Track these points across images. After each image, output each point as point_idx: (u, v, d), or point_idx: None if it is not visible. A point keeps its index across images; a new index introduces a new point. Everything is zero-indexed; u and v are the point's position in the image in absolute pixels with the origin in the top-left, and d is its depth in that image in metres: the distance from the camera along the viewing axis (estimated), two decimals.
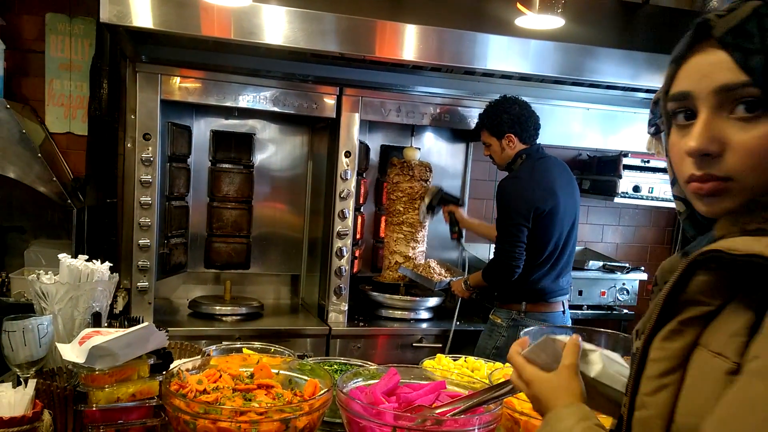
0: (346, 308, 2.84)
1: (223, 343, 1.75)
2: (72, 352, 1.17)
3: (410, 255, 3.03)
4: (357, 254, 3.10)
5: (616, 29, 2.98)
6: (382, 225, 3.24)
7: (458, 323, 2.92)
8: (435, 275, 2.86)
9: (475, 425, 1.16)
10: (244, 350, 1.56)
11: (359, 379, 1.39)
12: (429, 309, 3.03)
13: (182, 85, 2.64)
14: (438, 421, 1.16)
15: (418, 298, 2.97)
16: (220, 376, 1.33)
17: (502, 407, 1.24)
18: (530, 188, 2.46)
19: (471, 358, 1.70)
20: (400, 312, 2.96)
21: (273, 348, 1.61)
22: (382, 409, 1.21)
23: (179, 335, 2.53)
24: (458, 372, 1.54)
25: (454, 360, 1.67)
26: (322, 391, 1.28)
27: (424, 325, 2.96)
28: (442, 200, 2.99)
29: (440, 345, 2.86)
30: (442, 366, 1.60)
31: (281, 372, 1.42)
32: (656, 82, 2.88)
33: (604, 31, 2.93)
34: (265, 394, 1.30)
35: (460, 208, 3.01)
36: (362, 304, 3.05)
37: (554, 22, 2.03)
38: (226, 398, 1.24)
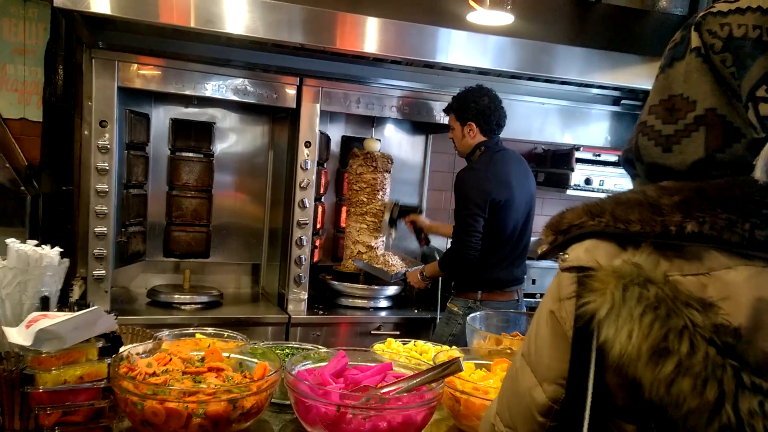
0: (306, 297, 2.87)
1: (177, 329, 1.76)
2: (18, 336, 1.18)
3: (373, 245, 3.08)
4: (317, 244, 3.13)
5: (571, 27, 3.08)
6: (343, 215, 3.27)
7: (416, 311, 2.99)
8: (390, 267, 2.91)
9: (416, 402, 1.22)
10: (197, 335, 1.59)
11: (308, 362, 1.44)
12: (388, 297, 3.09)
13: (141, 73, 2.62)
14: (381, 399, 1.21)
15: (377, 287, 3.02)
16: (170, 360, 1.35)
17: (444, 386, 1.30)
18: (486, 179, 2.53)
19: (420, 342, 1.76)
20: (359, 300, 3.01)
21: (226, 333, 1.64)
22: (328, 389, 1.26)
23: (137, 324, 2.51)
24: (407, 355, 1.60)
25: (404, 344, 1.73)
26: (271, 373, 1.31)
27: (383, 314, 3.02)
28: (402, 212, 3.06)
29: (399, 332, 2.92)
30: (392, 349, 1.65)
31: (232, 356, 1.45)
32: (608, 78, 2.99)
33: (559, 28, 3.02)
34: (215, 377, 1.33)
35: (421, 215, 3.08)
36: (322, 293, 3.09)
37: (504, 18, 2.10)
38: (175, 380, 1.27)
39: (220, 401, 1.20)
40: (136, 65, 2.60)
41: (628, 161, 0.84)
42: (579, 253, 0.73)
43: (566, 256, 0.75)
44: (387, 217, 3.05)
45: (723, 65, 0.71)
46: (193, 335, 1.59)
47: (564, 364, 0.72)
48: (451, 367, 1.21)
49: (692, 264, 0.66)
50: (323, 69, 2.97)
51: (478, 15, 2.11)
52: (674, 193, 0.71)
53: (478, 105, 2.61)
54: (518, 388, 0.79)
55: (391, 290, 3.06)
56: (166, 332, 1.57)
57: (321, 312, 2.90)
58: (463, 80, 3.03)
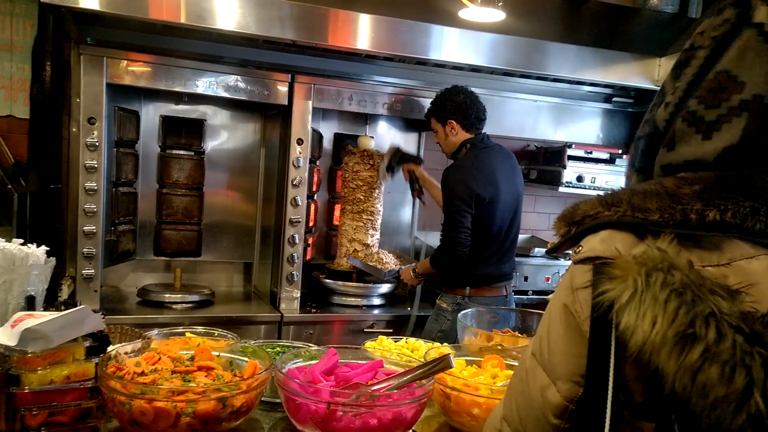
0: (299, 295, 2.86)
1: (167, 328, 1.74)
2: (3, 336, 1.16)
3: (369, 243, 3.07)
4: (310, 242, 3.12)
5: (563, 24, 3.08)
6: (336, 213, 3.26)
7: (409, 309, 2.98)
8: (384, 264, 2.91)
9: (407, 399, 1.21)
10: (187, 334, 1.57)
11: (299, 360, 1.42)
12: (381, 295, 3.08)
13: (130, 69, 2.59)
14: (372, 396, 1.21)
15: (370, 285, 3.01)
16: (159, 359, 1.34)
17: (434, 383, 1.29)
18: (471, 176, 2.54)
19: (411, 339, 1.75)
20: (352, 299, 3.00)
21: (216, 332, 1.62)
22: (318, 387, 1.25)
23: (127, 324, 2.49)
24: (398, 352, 1.59)
25: (396, 341, 1.72)
26: (261, 371, 1.30)
27: (377, 311, 3.01)
28: (401, 159, 3.02)
29: (392, 330, 2.92)
30: (383, 347, 1.65)
31: (222, 354, 1.44)
32: (600, 76, 3.00)
33: (551, 26, 3.03)
34: (205, 376, 1.32)
35: (420, 166, 3.05)
36: (315, 291, 3.07)
37: (496, 15, 2.09)
38: (164, 379, 1.26)
39: (210, 400, 1.19)
40: (125, 62, 2.58)
41: (644, 153, 0.80)
42: (594, 243, 0.71)
43: (580, 248, 0.72)
44: (386, 162, 2.99)
45: None
46: (182, 334, 1.58)
47: (580, 359, 0.70)
48: (440, 364, 1.21)
49: (713, 254, 0.65)
50: (315, 66, 2.95)
51: (470, 12, 2.11)
52: (694, 182, 0.69)
53: (455, 102, 2.63)
54: (529, 389, 0.76)
55: (385, 288, 3.05)
56: (155, 331, 1.55)
57: (314, 310, 2.89)
58: (455, 77, 3.04)
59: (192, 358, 1.37)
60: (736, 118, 0.69)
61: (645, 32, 3.11)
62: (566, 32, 3.03)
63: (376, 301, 3.06)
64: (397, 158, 3.00)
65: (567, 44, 2.91)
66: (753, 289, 0.61)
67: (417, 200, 3.12)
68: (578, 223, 0.74)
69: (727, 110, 0.70)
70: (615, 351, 0.65)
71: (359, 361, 1.46)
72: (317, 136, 3.13)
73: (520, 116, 3.26)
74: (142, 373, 1.26)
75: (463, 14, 2.20)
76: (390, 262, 2.97)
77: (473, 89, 2.73)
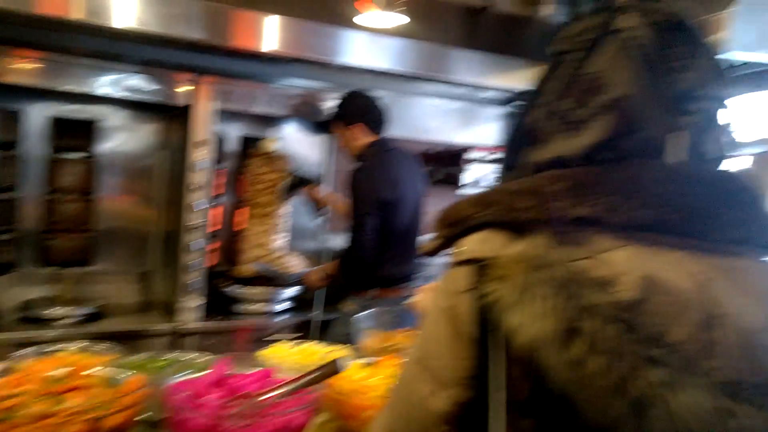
0: (200, 304, 2.75)
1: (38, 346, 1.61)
2: None
3: (274, 247, 3.00)
4: (212, 248, 3.01)
5: (465, 32, 3.18)
6: (241, 217, 3.17)
7: (317, 313, 2.95)
8: (289, 269, 2.87)
9: (294, 407, 1.19)
10: (64, 351, 1.46)
11: (188, 372, 1.36)
12: (287, 300, 3.03)
13: (14, 67, 2.38)
14: (257, 406, 1.17)
15: (275, 290, 2.95)
16: (26, 381, 1.23)
17: (324, 388, 1.28)
18: (375, 179, 2.57)
19: (312, 344, 1.73)
20: (257, 305, 2.93)
21: (100, 347, 1.52)
22: (202, 400, 1.20)
23: (5, 343, 2.30)
24: (294, 358, 1.57)
25: (294, 347, 1.69)
26: (143, 387, 1.23)
27: (284, 317, 2.95)
28: (300, 182, 3.00)
29: (301, 335, 2.87)
30: (279, 353, 1.61)
31: (102, 371, 1.35)
32: (499, 81, 3.13)
33: (454, 32, 3.13)
34: (80, 396, 1.23)
35: (318, 187, 3.04)
36: (218, 299, 2.97)
37: (396, 19, 2.12)
38: (31, 403, 1.16)
39: (80, 422, 1.10)
40: (8, 58, 2.37)
41: (513, 151, 0.84)
42: (473, 244, 0.72)
43: (460, 249, 0.73)
44: (285, 183, 2.98)
45: (650, 52, 0.73)
46: (59, 351, 1.46)
47: (466, 361, 0.70)
48: (329, 368, 1.20)
49: (582, 248, 0.67)
50: (220, 66, 2.86)
51: (371, 16, 2.11)
52: (561, 179, 0.72)
53: (357, 105, 2.67)
54: (413, 397, 0.75)
55: (291, 293, 3.00)
56: (24, 351, 1.43)
57: (216, 319, 2.79)
58: (363, 80, 3.05)
59: (65, 377, 1.28)
60: (602, 116, 0.73)
61: (538, 40, 3.28)
62: (468, 39, 3.14)
63: (283, 307, 3.01)
64: (295, 180, 3.00)
65: (469, 50, 3.01)
66: (619, 279, 0.65)
67: (321, 221, 3.13)
68: (457, 224, 0.75)
69: (595, 109, 0.74)
70: (502, 351, 0.66)
71: (255, 370, 1.42)
72: (221, 139, 3.04)
73: (424, 119, 3.33)
74: (6, 398, 1.16)
75: (364, 17, 2.20)
76: (296, 265, 2.93)
77: (381, 92, 2.77)
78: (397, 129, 2.94)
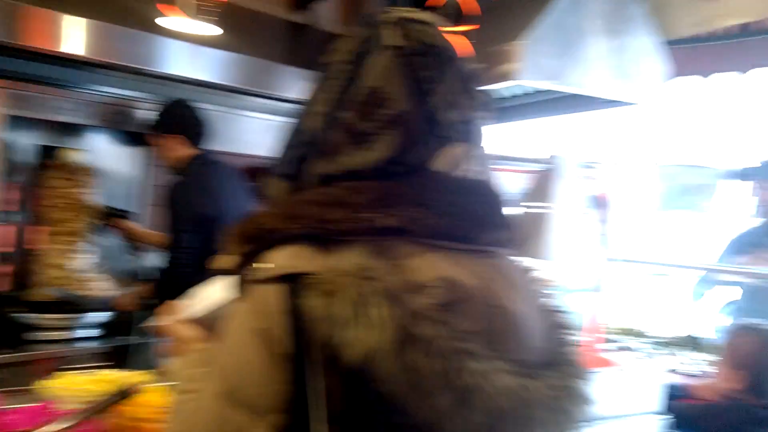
0: None
1: None
2: None
3: (72, 268, 2.73)
4: (2, 271, 2.65)
5: (288, 47, 3.23)
6: (36, 236, 2.84)
7: (131, 338, 2.74)
8: (93, 292, 2.64)
9: None
10: None
11: None
12: (96, 326, 2.77)
13: None
14: None
15: (79, 315, 2.68)
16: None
17: (117, 417, 1.20)
18: (193, 194, 2.50)
19: (110, 371, 1.61)
20: (56, 332, 2.63)
21: None
22: None
23: None
24: (85, 387, 1.44)
25: (89, 375, 1.55)
26: None
27: (93, 344, 2.69)
28: (109, 215, 2.83)
29: (113, 363, 2.64)
30: (68, 383, 1.47)
31: None
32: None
33: (277, 48, 3.16)
34: None
35: (128, 221, 2.88)
36: (8, 328, 2.61)
37: (208, 29, 2.08)
38: None
39: None
40: None
41: (295, 160, 0.83)
42: (283, 260, 0.69)
43: (266, 265, 0.70)
44: (93, 218, 2.78)
45: (418, 67, 0.77)
46: None
47: (283, 386, 0.68)
48: (117, 396, 1.12)
49: (397, 258, 0.70)
50: (14, 68, 2.55)
51: (172, 21, 2.05)
52: (362, 191, 0.73)
53: (175, 115, 2.59)
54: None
55: (100, 317, 2.75)
56: None
57: (4, 352, 2.45)
58: (184, 91, 2.93)
59: None
60: (387, 131, 0.76)
61: None
62: (292, 55, 3.19)
63: (90, 333, 2.74)
64: (104, 214, 2.83)
65: (292, 66, 3.06)
66: (432, 283, 0.70)
67: (133, 254, 2.96)
68: (260, 239, 0.73)
69: (379, 124, 0.76)
70: (320, 366, 0.66)
71: (33, 404, 1.29)
72: (10, 148, 2.69)
73: (250, 134, 3.29)
74: None
75: (167, 21, 2.12)
76: (104, 288, 2.71)
77: (205, 105, 2.69)
78: (221, 143, 2.88)
